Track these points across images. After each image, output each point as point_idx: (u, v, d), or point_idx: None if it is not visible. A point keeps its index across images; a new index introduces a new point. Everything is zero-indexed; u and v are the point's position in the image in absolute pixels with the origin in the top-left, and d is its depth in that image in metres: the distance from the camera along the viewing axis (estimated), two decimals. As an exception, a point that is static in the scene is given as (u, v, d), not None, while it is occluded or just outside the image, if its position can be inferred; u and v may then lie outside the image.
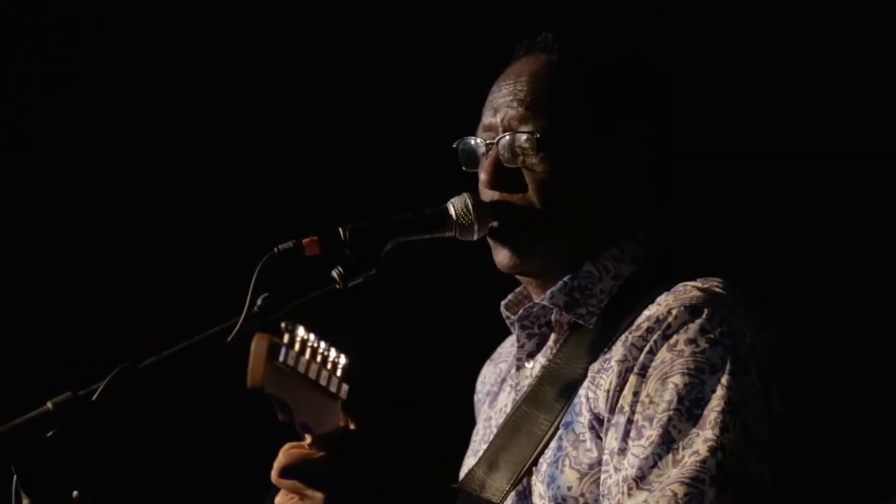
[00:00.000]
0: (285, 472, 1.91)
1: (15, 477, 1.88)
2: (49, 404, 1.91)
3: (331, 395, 1.87)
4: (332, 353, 1.88)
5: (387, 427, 1.99)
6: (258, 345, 1.76)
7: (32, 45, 3.87)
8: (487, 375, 2.58)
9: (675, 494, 1.96)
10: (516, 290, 2.40)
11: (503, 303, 2.39)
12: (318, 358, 1.85)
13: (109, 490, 2.06)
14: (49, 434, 1.90)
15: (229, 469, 3.80)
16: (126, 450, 3.66)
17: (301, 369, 1.81)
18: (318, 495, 1.91)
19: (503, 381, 2.46)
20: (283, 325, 1.79)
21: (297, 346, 1.80)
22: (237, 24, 3.91)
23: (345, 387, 1.89)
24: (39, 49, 3.88)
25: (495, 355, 2.59)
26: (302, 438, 1.90)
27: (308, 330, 1.82)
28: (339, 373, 1.89)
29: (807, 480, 2.11)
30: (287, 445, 1.92)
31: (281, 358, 1.77)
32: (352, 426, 1.94)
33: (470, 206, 2.26)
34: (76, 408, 1.92)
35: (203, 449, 3.82)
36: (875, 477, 3.38)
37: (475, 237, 2.28)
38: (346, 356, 1.89)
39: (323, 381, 1.85)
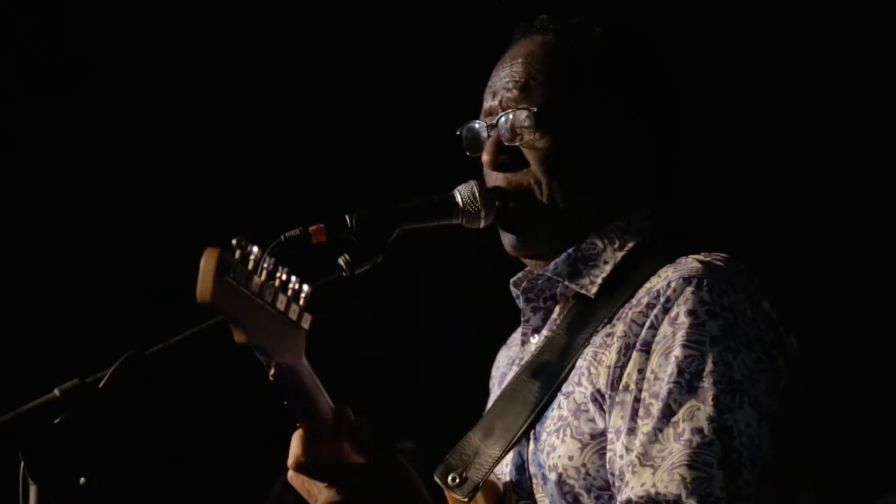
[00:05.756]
0: (298, 468, 1.93)
1: (22, 463, 1.88)
2: (56, 391, 1.91)
3: (291, 322, 1.81)
4: (293, 279, 1.81)
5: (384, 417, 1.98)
6: (207, 258, 1.68)
7: (23, 45, 3.88)
8: (501, 359, 2.58)
9: (684, 479, 1.95)
10: (525, 269, 2.40)
11: (512, 280, 2.38)
12: (276, 282, 1.78)
13: (116, 476, 2.06)
14: (56, 421, 1.90)
15: (235, 455, 3.81)
16: (133, 437, 3.66)
17: (254, 289, 1.74)
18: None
19: (513, 361, 2.46)
20: (234, 241, 1.73)
21: (250, 265, 1.73)
22: (240, 14, 3.91)
23: (308, 316, 1.83)
24: (36, 48, 3.88)
25: (510, 340, 2.59)
26: (264, 366, 1.83)
27: (264, 251, 1.76)
28: (301, 301, 1.82)
29: (805, 459, 2.11)
30: (295, 436, 1.93)
31: (231, 273, 1.70)
32: (350, 417, 1.93)
33: (477, 194, 2.26)
34: (83, 394, 1.92)
35: (210, 435, 3.83)
36: (874, 469, 3.39)
37: (482, 224, 2.28)
38: (310, 286, 1.83)
39: (281, 306, 1.78)
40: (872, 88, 3.47)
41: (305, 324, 1.83)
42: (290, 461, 1.93)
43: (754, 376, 2.03)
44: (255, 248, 1.74)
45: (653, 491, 1.96)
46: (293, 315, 1.81)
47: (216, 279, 1.68)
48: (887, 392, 3.45)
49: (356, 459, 1.94)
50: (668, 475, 1.97)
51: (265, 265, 1.76)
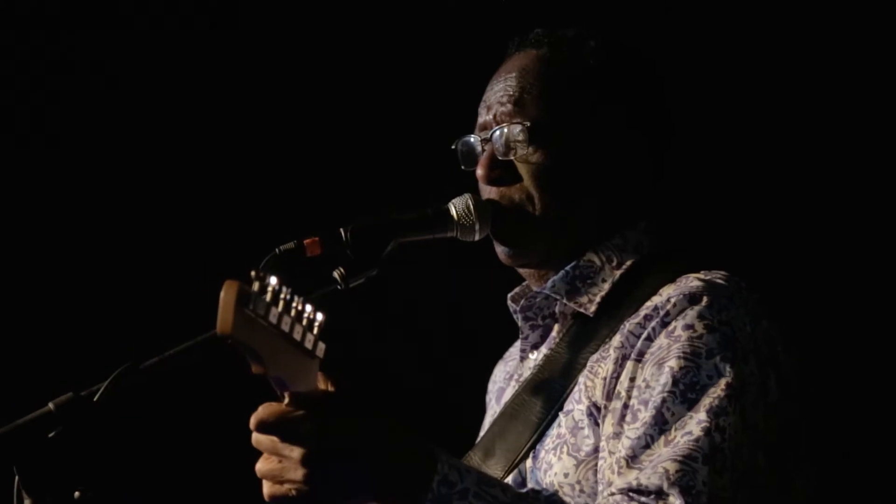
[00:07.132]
0: (262, 427, 1.83)
1: (17, 477, 1.88)
2: (51, 405, 1.91)
3: (306, 351, 1.81)
4: (308, 308, 1.81)
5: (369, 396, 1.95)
6: (227, 291, 1.68)
7: (32, 45, 3.88)
8: (498, 374, 2.58)
9: (667, 471, 1.95)
10: (523, 284, 2.40)
11: (510, 295, 2.39)
12: (292, 312, 1.78)
13: (111, 490, 2.06)
14: (51, 434, 1.90)
15: (231, 469, 3.80)
16: (128, 450, 3.65)
17: (273, 320, 1.74)
18: (296, 452, 1.83)
19: (511, 377, 2.46)
20: (252, 273, 1.73)
21: (268, 297, 1.73)
22: (240, 22, 3.91)
23: (321, 345, 1.83)
24: (38, 49, 3.88)
25: (507, 355, 2.59)
26: (279, 396, 1.83)
27: (282, 282, 1.75)
28: (315, 330, 1.82)
29: (801, 472, 2.11)
30: (266, 403, 1.84)
31: (251, 305, 1.70)
32: (331, 388, 1.89)
33: (471, 207, 2.26)
34: (78, 408, 1.92)
35: (205, 449, 3.82)
36: (874, 476, 3.39)
37: (476, 238, 2.28)
38: (324, 314, 1.83)
39: (297, 336, 1.79)
40: (873, 108, 3.47)
41: (320, 353, 1.84)
42: (253, 422, 1.84)
43: (745, 388, 2.03)
44: (273, 280, 1.74)
45: (634, 484, 1.95)
46: (308, 345, 1.82)
47: (237, 312, 1.68)
48: (885, 403, 3.45)
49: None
50: (651, 470, 1.96)
51: (283, 296, 1.76)
